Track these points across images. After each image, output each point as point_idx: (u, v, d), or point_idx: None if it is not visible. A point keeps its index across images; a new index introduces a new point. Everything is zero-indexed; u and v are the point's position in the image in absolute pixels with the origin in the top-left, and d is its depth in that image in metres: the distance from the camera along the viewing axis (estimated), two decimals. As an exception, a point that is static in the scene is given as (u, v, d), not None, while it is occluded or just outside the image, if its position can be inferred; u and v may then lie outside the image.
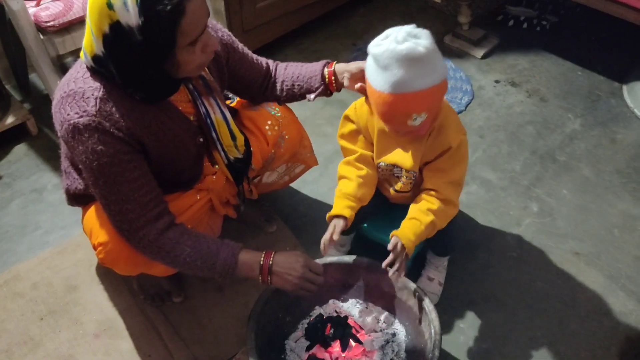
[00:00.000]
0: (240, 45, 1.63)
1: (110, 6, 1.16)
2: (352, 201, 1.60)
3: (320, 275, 1.49)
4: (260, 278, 1.45)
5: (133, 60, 1.24)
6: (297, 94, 1.69)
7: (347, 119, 1.67)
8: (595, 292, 1.91)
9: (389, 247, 1.51)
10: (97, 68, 1.28)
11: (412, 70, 1.34)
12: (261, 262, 1.44)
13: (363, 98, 1.60)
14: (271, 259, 1.45)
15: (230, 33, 1.61)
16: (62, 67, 2.61)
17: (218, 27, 1.56)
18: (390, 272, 1.50)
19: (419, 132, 1.49)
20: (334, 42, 2.94)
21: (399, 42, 1.34)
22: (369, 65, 1.42)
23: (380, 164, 1.64)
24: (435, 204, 1.56)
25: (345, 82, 1.59)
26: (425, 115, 1.42)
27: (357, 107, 1.64)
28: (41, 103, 2.57)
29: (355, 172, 1.64)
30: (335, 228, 1.55)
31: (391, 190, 1.70)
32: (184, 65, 1.29)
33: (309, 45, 2.92)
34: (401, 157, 1.59)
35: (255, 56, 1.68)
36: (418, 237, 1.54)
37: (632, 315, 1.85)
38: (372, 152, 1.65)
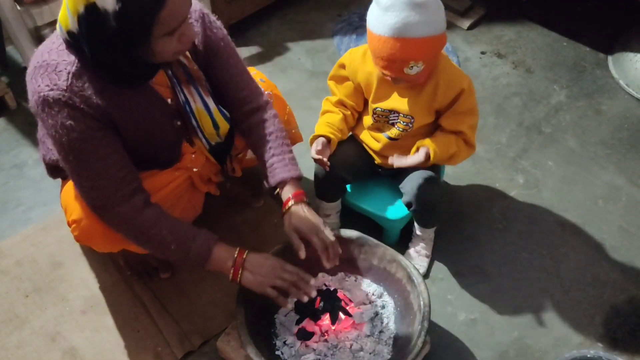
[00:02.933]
0: (227, 56, 1.52)
1: None
2: (334, 129, 1.71)
3: (293, 274, 1.46)
4: (231, 272, 1.43)
5: (106, 44, 1.19)
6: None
7: (341, 65, 1.72)
8: (579, 262, 1.94)
9: (416, 157, 1.61)
10: (72, 42, 1.24)
11: (414, 14, 1.39)
12: (235, 256, 1.43)
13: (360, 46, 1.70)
14: (244, 255, 1.43)
15: (225, 36, 1.51)
16: (40, 39, 2.53)
17: (214, 25, 1.47)
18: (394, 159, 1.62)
19: (416, 80, 1.56)
20: (318, 13, 2.89)
21: None
22: (371, 11, 1.47)
23: (377, 109, 1.68)
24: (460, 142, 1.66)
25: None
26: (422, 66, 1.47)
27: (352, 53, 1.69)
28: (19, 76, 2.49)
29: (340, 109, 1.76)
30: (316, 144, 1.67)
31: (383, 138, 1.72)
32: (159, 54, 1.25)
33: (293, 16, 2.88)
34: (400, 103, 1.63)
35: (248, 83, 1.57)
36: (443, 153, 1.62)
37: (616, 284, 1.88)
38: (355, 97, 1.74)
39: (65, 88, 1.24)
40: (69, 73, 1.25)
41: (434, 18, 1.43)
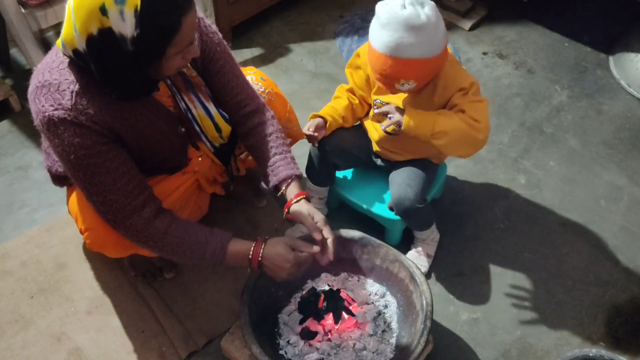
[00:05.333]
0: (223, 61, 1.52)
1: (103, 11, 1.11)
2: (334, 114, 1.76)
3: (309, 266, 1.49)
4: (249, 268, 1.45)
5: (116, 65, 1.20)
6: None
7: (357, 54, 1.73)
8: (581, 261, 1.95)
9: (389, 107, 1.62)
10: (77, 61, 1.23)
11: (408, 36, 1.39)
12: (250, 254, 1.43)
13: None
14: (261, 251, 1.43)
15: (220, 41, 1.51)
16: (44, 42, 2.56)
17: (210, 30, 1.48)
18: (376, 109, 1.67)
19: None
20: (320, 14, 2.90)
21: (402, 6, 1.39)
22: (372, 24, 1.48)
23: (376, 100, 1.70)
24: (461, 124, 1.53)
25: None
26: (413, 83, 1.49)
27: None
28: (23, 78, 2.48)
29: (349, 96, 1.80)
30: (312, 123, 1.72)
31: (381, 130, 1.73)
32: (166, 71, 1.27)
33: (295, 17, 2.89)
34: (397, 99, 1.65)
35: (244, 87, 1.57)
36: (421, 122, 1.54)
37: (618, 283, 1.88)
38: (366, 88, 1.76)
39: (70, 107, 1.24)
40: (72, 92, 1.25)
41: (429, 41, 1.42)
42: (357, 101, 1.80)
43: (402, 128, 1.56)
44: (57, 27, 2.22)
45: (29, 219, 2.05)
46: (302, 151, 2.18)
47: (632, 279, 1.90)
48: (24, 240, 1.96)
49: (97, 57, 1.18)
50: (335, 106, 1.78)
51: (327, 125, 1.74)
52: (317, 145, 1.76)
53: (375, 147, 1.82)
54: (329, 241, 1.48)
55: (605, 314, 1.81)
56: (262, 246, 1.43)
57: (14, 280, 1.87)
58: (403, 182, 1.72)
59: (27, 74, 2.51)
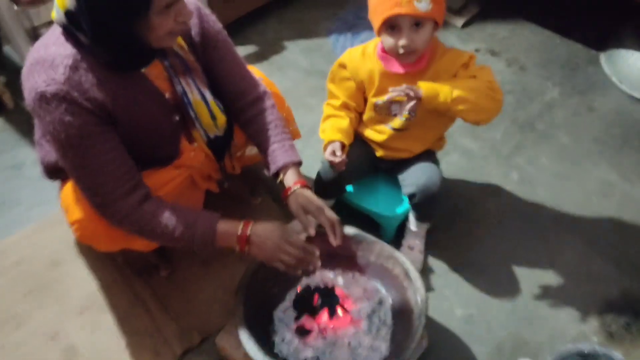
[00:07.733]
0: (225, 49, 1.56)
1: None
2: (344, 135, 1.69)
3: (298, 248, 1.45)
4: (237, 247, 1.43)
5: (105, 17, 1.18)
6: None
7: (341, 65, 1.72)
8: (574, 257, 1.96)
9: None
10: (69, 27, 1.23)
11: None
12: (239, 233, 1.42)
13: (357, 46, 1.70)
14: (249, 228, 1.42)
15: (221, 29, 1.53)
16: (37, 39, 2.54)
17: (210, 19, 1.50)
18: (381, 102, 1.66)
19: (414, 60, 1.56)
20: (315, 12, 2.90)
21: None
22: None
23: (378, 102, 1.68)
24: (479, 84, 1.54)
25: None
26: (430, 3, 1.43)
27: (350, 52, 1.70)
28: (17, 76, 2.44)
29: (346, 113, 1.74)
30: (333, 146, 1.65)
31: (386, 129, 1.73)
32: (156, 30, 1.24)
33: (289, 14, 2.89)
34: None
35: (246, 75, 1.61)
36: (436, 89, 1.52)
37: (610, 279, 1.90)
38: (358, 96, 1.73)
39: (63, 81, 1.23)
40: (66, 66, 1.24)
41: None
42: (353, 114, 1.76)
43: (423, 95, 1.51)
44: (50, 25, 2.20)
45: (23, 217, 2.04)
46: (297, 147, 2.19)
47: (624, 274, 1.91)
48: (17, 239, 1.96)
49: (87, 9, 1.17)
50: (340, 127, 1.70)
51: (344, 149, 1.68)
52: (344, 167, 1.66)
53: (379, 152, 1.81)
54: (327, 229, 1.50)
55: (598, 308, 1.83)
56: (251, 224, 1.43)
57: (7, 279, 1.86)
58: (427, 169, 1.72)
59: (20, 71, 2.50)
